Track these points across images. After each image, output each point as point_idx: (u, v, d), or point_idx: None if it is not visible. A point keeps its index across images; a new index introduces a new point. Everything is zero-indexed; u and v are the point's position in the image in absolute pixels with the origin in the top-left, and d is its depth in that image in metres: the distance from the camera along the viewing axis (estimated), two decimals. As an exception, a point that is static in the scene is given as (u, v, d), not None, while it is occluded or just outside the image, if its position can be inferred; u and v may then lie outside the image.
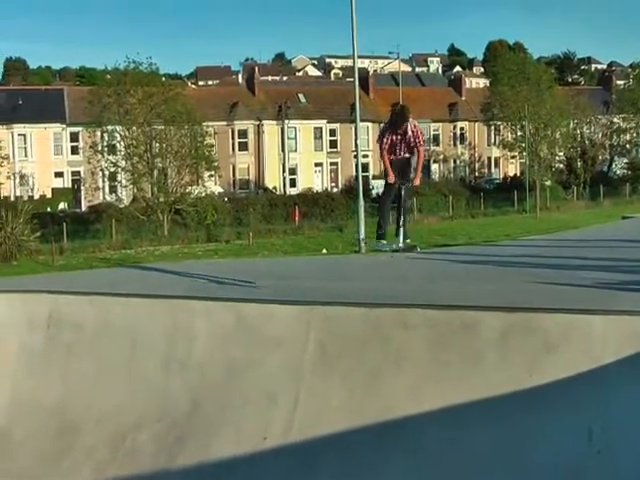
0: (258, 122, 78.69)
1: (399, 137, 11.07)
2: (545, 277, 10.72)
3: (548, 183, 60.67)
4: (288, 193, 69.95)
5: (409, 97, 76.71)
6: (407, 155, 11.29)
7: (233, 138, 78.31)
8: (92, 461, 8.39)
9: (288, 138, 79.23)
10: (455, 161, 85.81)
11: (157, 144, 46.22)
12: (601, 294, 8.79)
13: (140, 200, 46.06)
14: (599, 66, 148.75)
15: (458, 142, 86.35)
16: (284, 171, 78.69)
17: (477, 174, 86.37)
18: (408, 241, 11.62)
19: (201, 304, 9.44)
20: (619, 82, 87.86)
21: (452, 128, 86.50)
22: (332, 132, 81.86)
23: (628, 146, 73.11)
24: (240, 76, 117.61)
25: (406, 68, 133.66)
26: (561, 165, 67.89)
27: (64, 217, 46.64)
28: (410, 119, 11.45)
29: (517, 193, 54.22)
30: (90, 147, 48.52)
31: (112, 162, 47.80)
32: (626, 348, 6.60)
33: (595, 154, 70.80)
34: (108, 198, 52.73)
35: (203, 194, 45.65)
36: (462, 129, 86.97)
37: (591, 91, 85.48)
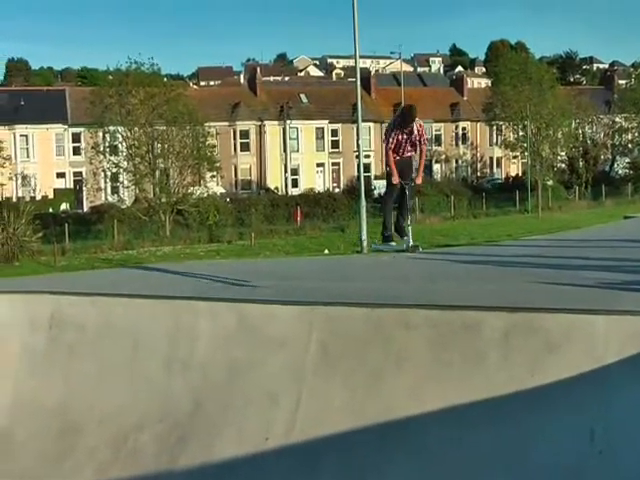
0: (260, 122, 78.69)
1: (405, 136, 11.08)
2: (547, 277, 10.71)
3: (550, 183, 60.63)
4: (290, 193, 69.96)
5: (411, 97, 76.66)
6: (409, 154, 11.31)
7: (235, 138, 78.31)
8: (94, 462, 8.40)
9: (290, 138, 79.25)
10: (457, 161, 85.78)
11: (159, 145, 46.23)
12: (603, 294, 8.78)
13: (142, 201, 46.05)
14: (601, 66, 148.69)
15: (460, 142, 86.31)
16: (286, 171, 78.71)
17: (479, 174, 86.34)
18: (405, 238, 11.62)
19: (203, 304, 9.45)
20: (621, 82, 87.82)
21: (454, 128, 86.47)
22: (334, 132, 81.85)
23: (630, 146, 73.05)
24: (242, 76, 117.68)
25: (408, 68, 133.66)
26: (563, 165, 67.84)
27: (66, 218, 46.67)
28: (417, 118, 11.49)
29: (519, 193, 54.22)
30: (92, 148, 48.53)
31: (114, 163, 47.81)
32: (628, 348, 6.59)
33: (597, 154, 70.77)
34: (110, 199, 52.79)
35: (205, 195, 45.65)
36: (464, 129, 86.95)
37: (593, 91, 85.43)
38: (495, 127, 73.80)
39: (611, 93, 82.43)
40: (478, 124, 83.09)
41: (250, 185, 77.58)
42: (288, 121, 78.03)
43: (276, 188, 75.16)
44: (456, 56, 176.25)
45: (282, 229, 37.70)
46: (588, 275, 10.59)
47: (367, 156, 69.47)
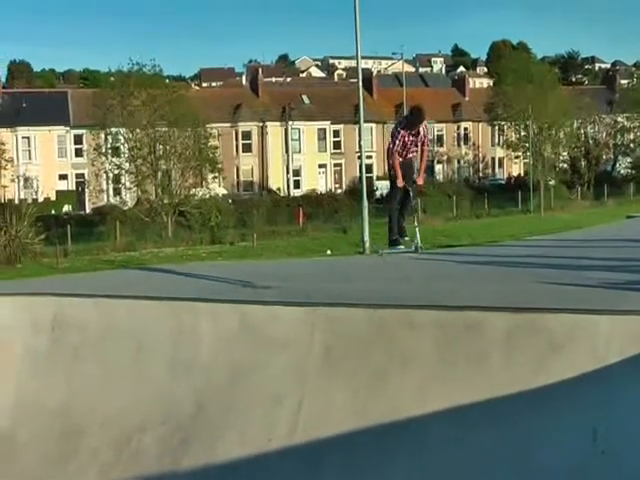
0: (262, 123, 78.66)
1: (412, 137, 11.01)
2: (550, 277, 10.71)
3: (552, 183, 60.56)
4: (292, 194, 69.95)
5: (413, 98, 76.49)
6: (412, 155, 11.26)
7: (237, 140, 78.29)
8: (97, 463, 8.39)
9: (292, 139, 79.22)
10: (459, 161, 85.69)
11: (161, 146, 46.18)
12: (606, 294, 8.77)
13: (144, 202, 46.02)
14: (603, 65, 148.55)
15: (462, 142, 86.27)
16: (288, 172, 78.69)
17: (481, 174, 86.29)
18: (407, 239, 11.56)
19: (206, 306, 9.44)
20: (623, 81, 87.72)
21: (456, 128, 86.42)
22: (336, 133, 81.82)
23: (632, 145, 72.94)
24: (244, 78, 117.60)
25: (410, 69, 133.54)
26: (565, 165, 67.78)
27: (68, 219, 46.71)
28: None
29: (521, 193, 54.18)
30: (94, 149, 48.52)
31: (116, 164, 47.79)
32: (631, 348, 6.58)
33: (599, 154, 70.70)
34: (112, 200, 52.77)
35: (207, 196, 45.62)
36: (466, 129, 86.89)
37: (595, 90, 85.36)
38: (497, 127, 73.69)
39: (613, 93, 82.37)
40: (480, 124, 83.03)
41: (252, 186, 77.53)
42: (290, 122, 78.03)
43: (278, 189, 75.14)
44: (458, 56, 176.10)
45: (284, 230, 37.67)
46: (591, 275, 10.58)
47: (369, 157, 69.41)
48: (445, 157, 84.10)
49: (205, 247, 28.12)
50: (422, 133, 11.23)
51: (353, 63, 58.60)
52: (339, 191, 72.98)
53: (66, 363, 9.50)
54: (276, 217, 45.82)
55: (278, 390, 8.01)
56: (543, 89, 61.37)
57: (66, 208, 66.79)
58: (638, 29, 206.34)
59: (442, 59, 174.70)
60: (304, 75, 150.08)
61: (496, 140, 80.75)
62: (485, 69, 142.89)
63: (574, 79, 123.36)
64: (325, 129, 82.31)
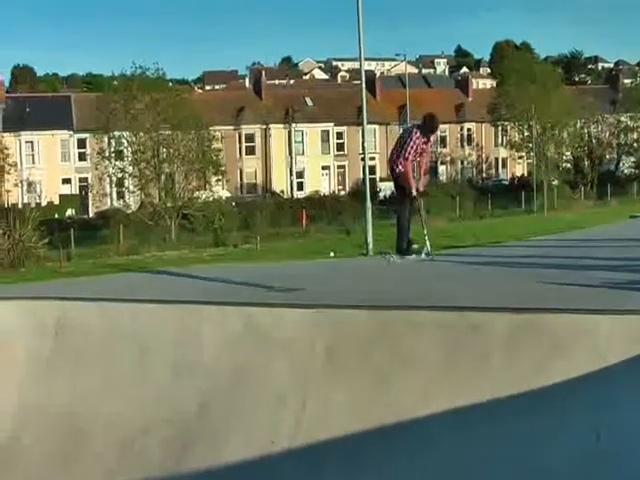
0: (265, 126, 78.65)
1: (423, 146, 10.86)
2: (553, 277, 10.71)
3: (555, 183, 60.49)
4: (295, 196, 69.93)
5: (416, 99, 76.64)
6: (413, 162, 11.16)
7: (240, 142, 78.28)
8: (101, 466, 8.40)
9: (295, 141, 79.20)
10: (462, 162, 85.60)
11: (164, 149, 46.21)
12: (609, 294, 8.77)
13: (147, 205, 46.06)
14: (606, 65, 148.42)
15: (465, 143, 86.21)
16: (291, 174, 78.71)
17: (484, 175, 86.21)
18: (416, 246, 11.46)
19: (209, 308, 9.46)
20: (626, 81, 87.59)
21: (459, 129, 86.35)
22: (339, 135, 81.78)
23: (635, 145, 72.80)
24: (247, 80, 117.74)
25: (413, 70, 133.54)
26: (568, 165, 67.70)
27: (72, 223, 46.68)
28: None
29: (524, 193, 54.13)
30: (97, 153, 48.55)
31: (119, 168, 47.82)
32: (634, 347, 6.57)
33: (602, 153, 70.63)
34: (115, 204, 52.76)
35: (210, 199, 45.63)
36: (469, 130, 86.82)
37: (598, 90, 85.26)
38: (500, 128, 73.60)
39: (616, 92, 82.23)
40: (483, 125, 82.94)
41: (255, 189, 77.52)
42: (293, 124, 78.01)
43: (281, 191, 75.13)
44: (461, 57, 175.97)
45: (287, 232, 37.67)
46: (594, 275, 10.57)
47: (372, 158, 69.40)
48: (448, 158, 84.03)
49: (209, 250, 28.07)
50: (432, 141, 11.16)
51: (356, 65, 58.63)
52: (342, 193, 72.92)
53: (70, 367, 9.52)
54: (279, 219, 45.82)
55: (282, 392, 8.02)
56: (546, 89, 61.27)
57: (69, 212, 66.82)
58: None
59: (445, 60, 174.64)
60: (307, 77, 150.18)
61: (499, 140, 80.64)
62: (488, 70, 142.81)
63: (577, 79, 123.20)
64: (328, 131, 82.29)
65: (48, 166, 72.69)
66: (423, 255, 10.93)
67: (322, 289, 11.03)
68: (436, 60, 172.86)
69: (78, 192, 72.48)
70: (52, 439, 8.83)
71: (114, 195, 54.33)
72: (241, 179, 78.37)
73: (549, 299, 8.46)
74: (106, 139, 49.26)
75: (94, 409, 8.93)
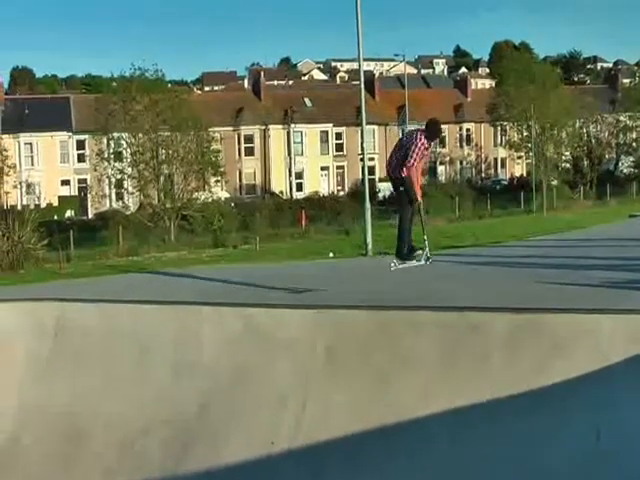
0: (264, 127, 78.53)
1: (426, 152, 10.81)
2: (553, 277, 10.71)
3: (554, 183, 60.41)
4: (294, 197, 69.86)
5: (415, 99, 76.61)
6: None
7: (239, 143, 78.16)
8: (101, 466, 8.40)
9: (294, 142, 79.09)
10: (461, 162, 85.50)
11: (163, 150, 46.13)
12: (609, 293, 8.77)
13: (147, 207, 45.99)
14: (605, 65, 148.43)
15: (464, 143, 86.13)
16: (290, 175, 78.62)
17: (483, 175, 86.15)
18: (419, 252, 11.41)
19: (209, 309, 9.45)
20: (625, 80, 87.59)
21: (458, 129, 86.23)
22: (338, 135, 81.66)
23: (635, 144, 72.71)
24: (246, 81, 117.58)
25: (412, 70, 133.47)
26: (567, 165, 67.60)
27: (71, 225, 46.56)
28: None
29: (523, 193, 54.09)
30: (96, 155, 48.47)
31: (118, 169, 47.74)
32: (634, 347, 6.57)
33: (601, 153, 70.55)
34: (115, 205, 52.70)
35: (210, 200, 45.57)
36: (468, 130, 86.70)
37: (597, 90, 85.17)
38: (499, 128, 73.50)
39: (615, 92, 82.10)
40: (482, 125, 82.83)
41: (255, 189, 77.40)
42: (292, 125, 77.90)
43: (281, 192, 75.02)
44: (460, 57, 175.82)
45: (287, 233, 37.62)
46: (594, 274, 10.57)
47: (371, 159, 69.31)
48: (447, 158, 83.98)
49: (208, 251, 28.03)
50: (432, 145, 11.13)
51: (355, 65, 58.53)
52: (341, 193, 72.86)
53: (69, 367, 9.51)
54: (279, 220, 45.77)
55: (282, 392, 8.01)
56: (545, 89, 61.23)
57: (69, 213, 66.77)
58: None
59: (444, 60, 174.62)
60: (306, 78, 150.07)
61: (498, 141, 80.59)
62: (487, 70, 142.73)
63: (576, 79, 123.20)
64: (327, 132, 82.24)
65: (47, 168, 72.62)
66: (422, 261, 10.88)
67: (321, 289, 11.01)
68: (435, 60, 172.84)
69: (77, 193, 72.40)
70: (52, 439, 8.82)
71: (113, 196, 54.29)
72: (240, 180, 78.29)
73: (549, 299, 8.46)
74: (105, 140, 49.21)
75: (94, 409, 8.93)
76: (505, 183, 78.24)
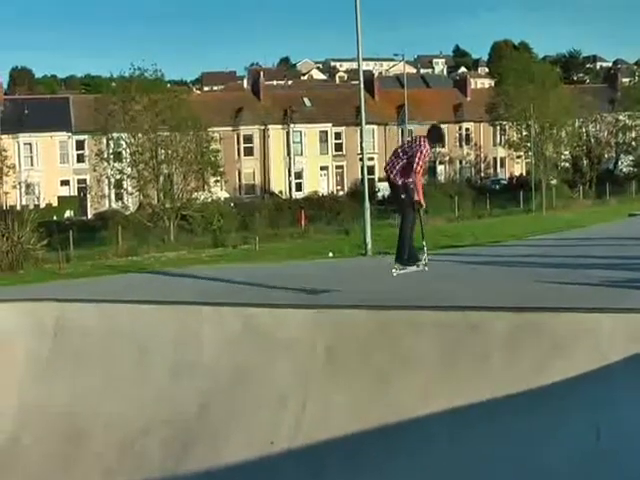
0: (263, 127, 78.52)
1: (428, 157, 10.85)
2: (553, 276, 10.71)
3: (554, 182, 60.42)
4: (294, 197, 69.85)
5: (414, 99, 76.65)
6: None
7: (239, 143, 78.16)
8: (101, 466, 8.39)
9: (293, 142, 79.10)
10: (461, 162, 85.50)
11: (163, 150, 46.12)
12: (609, 292, 8.78)
13: (146, 207, 45.98)
14: (604, 64, 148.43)
15: (464, 143, 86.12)
16: (290, 175, 78.61)
17: (483, 174, 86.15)
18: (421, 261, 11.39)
19: (209, 309, 9.45)
20: (625, 80, 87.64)
21: (457, 129, 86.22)
22: (337, 135, 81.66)
23: (634, 144, 72.73)
24: (245, 81, 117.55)
25: (411, 70, 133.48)
26: (567, 164, 67.62)
27: (70, 225, 46.54)
28: None
29: (523, 193, 54.08)
30: (96, 155, 48.47)
31: (118, 169, 47.72)
32: (634, 346, 6.56)
33: (601, 152, 70.56)
34: (114, 205, 52.70)
35: (209, 200, 45.57)
36: (467, 130, 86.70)
37: (596, 89, 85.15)
38: (499, 127, 73.54)
39: (615, 91, 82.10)
40: (482, 124, 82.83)
41: (254, 189, 77.39)
42: (292, 125, 77.91)
43: (280, 192, 75.00)
44: (459, 57, 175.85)
45: (286, 233, 37.62)
46: (593, 273, 10.58)
47: (371, 159, 69.28)
48: (447, 158, 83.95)
49: (207, 251, 28.03)
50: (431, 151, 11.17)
51: (354, 65, 58.57)
52: (341, 193, 72.85)
53: (69, 367, 9.51)
54: (278, 220, 45.77)
55: (282, 392, 8.01)
56: (544, 88, 61.24)
57: (68, 214, 66.74)
58: (639, 27, 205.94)
59: (443, 60, 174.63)
60: (305, 78, 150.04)
61: (498, 140, 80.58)
62: (486, 69, 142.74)
63: (576, 78, 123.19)
64: (327, 131, 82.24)
65: (46, 168, 72.60)
66: (421, 267, 10.90)
67: (321, 289, 11.00)
68: (434, 60, 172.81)
69: (77, 194, 72.37)
70: (52, 439, 8.82)
71: (112, 196, 54.31)
72: (239, 180, 78.28)
73: (549, 298, 8.46)
74: (104, 140, 49.19)
75: (94, 409, 8.92)
76: (504, 182, 78.26)
